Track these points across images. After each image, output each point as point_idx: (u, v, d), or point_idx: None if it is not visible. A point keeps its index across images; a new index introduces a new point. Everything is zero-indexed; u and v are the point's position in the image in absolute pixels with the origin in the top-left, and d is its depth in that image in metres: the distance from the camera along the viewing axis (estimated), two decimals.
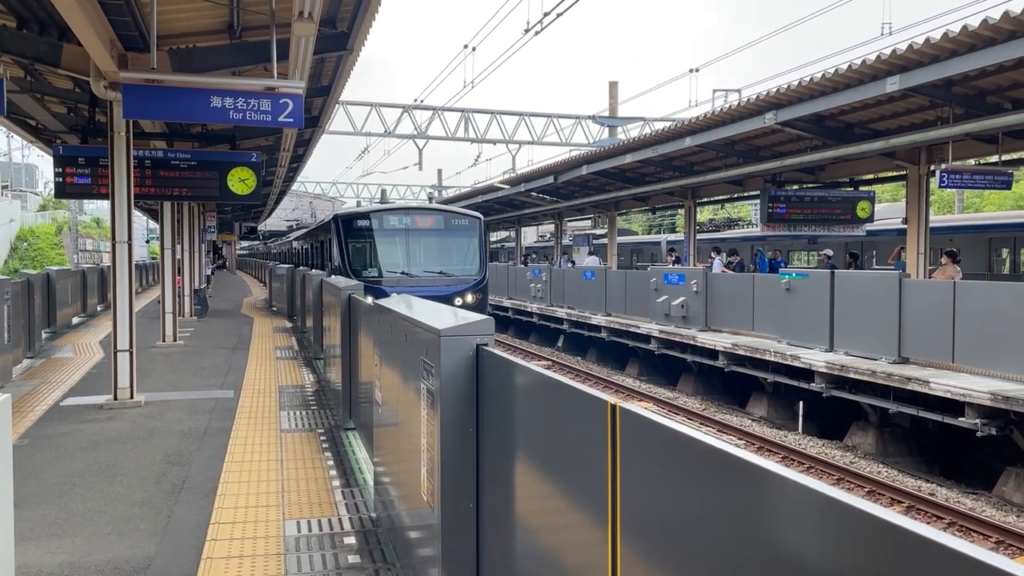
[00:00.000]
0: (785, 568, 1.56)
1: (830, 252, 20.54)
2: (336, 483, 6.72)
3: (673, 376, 18.74)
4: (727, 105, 17.20)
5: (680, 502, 1.95)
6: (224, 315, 23.42)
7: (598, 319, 21.44)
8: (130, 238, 9.93)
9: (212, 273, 39.14)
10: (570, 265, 29.68)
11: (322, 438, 8.26)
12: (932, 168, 16.08)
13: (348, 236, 17.61)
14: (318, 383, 11.52)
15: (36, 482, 6.64)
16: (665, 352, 18.21)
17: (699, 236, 27.63)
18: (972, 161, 17.01)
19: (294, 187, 42.45)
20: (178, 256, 19.06)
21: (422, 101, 29.30)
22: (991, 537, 8.90)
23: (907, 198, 17.52)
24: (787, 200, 18.96)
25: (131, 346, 9.88)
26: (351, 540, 5.45)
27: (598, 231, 39.66)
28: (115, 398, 9.77)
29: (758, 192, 20.45)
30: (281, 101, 8.10)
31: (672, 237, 38.89)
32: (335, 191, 65.00)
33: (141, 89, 7.74)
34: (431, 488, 3.76)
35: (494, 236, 52.36)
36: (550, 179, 25.60)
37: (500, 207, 35.57)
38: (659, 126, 26.37)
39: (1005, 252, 23.07)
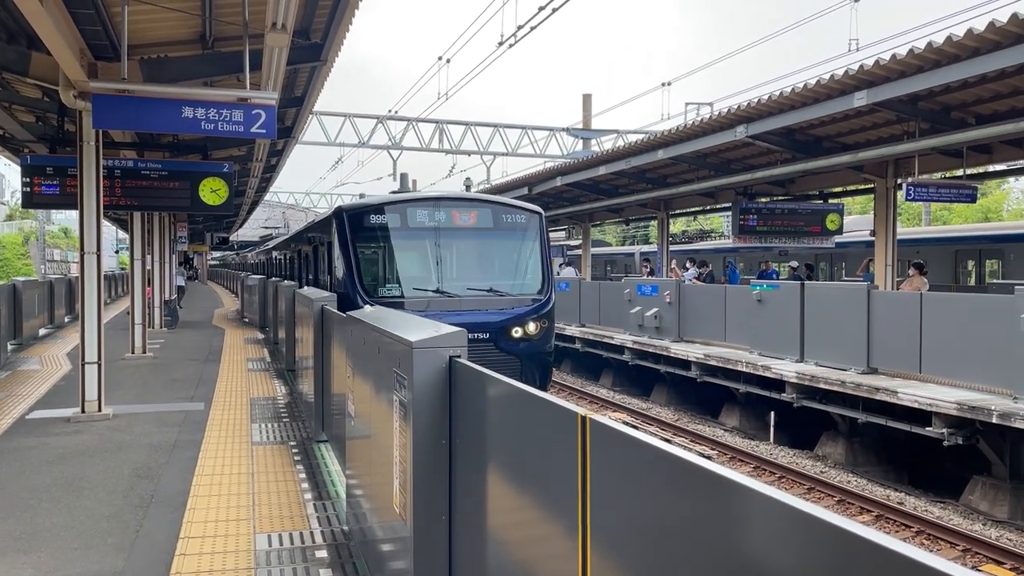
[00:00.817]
0: None
1: (795, 264, 20.88)
2: (308, 496, 6.67)
3: (646, 387, 18.83)
4: (699, 118, 17.42)
5: (650, 513, 1.97)
6: (195, 326, 23.16)
7: (572, 330, 21.49)
8: (99, 249, 9.81)
9: (185, 283, 38.69)
10: None
11: (294, 451, 8.20)
12: (899, 181, 16.37)
13: (357, 239, 12.30)
14: (290, 395, 11.43)
15: (1, 497, 6.52)
16: (638, 363, 18.30)
17: (672, 247, 27.84)
18: (938, 175, 17.34)
19: (267, 197, 42.18)
20: (148, 267, 18.85)
21: (396, 112, 29.30)
22: (958, 545, 9.03)
23: (875, 211, 17.81)
24: (758, 212, 19.20)
25: (99, 358, 9.74)
26: (323, 554, 5.41)
27: (572, 242, 39.83)
28: (83, 411, 9.62)
29: (730, 204, 20.68)
30: (254, 112, 8.07)
31: (646, 248, 39.14)
32: (308, 201, 64.71)
33: (111, 99, 7.67)
34: (403, 500, 3.76)
35: None
36: (524, 190, 25.70)
37: None
38: (632, 139, 26.59)
39: (971, 264, 23.50)
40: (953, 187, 15.61)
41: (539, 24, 13.83)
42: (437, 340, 3.60)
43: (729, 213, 20.68)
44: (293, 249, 21.21)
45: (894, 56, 11.36)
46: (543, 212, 13.07)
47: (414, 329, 3.98)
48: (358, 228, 12.32)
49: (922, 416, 10.62)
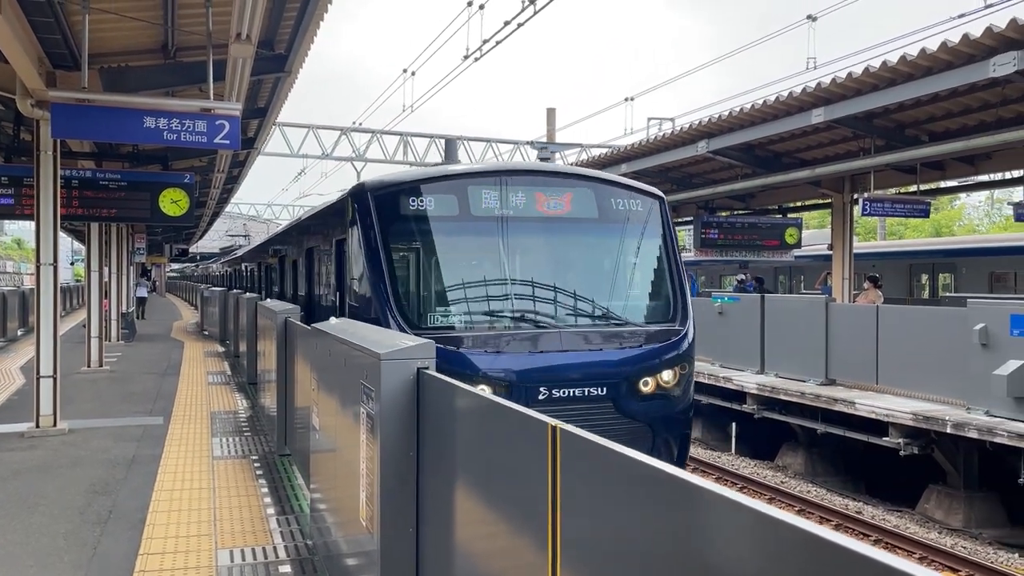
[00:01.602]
0: None
1: (742, 276, 21.31)
2: (271, 511, 6.59)
3: None
4: (661, 133, 17.64)
5: (621, 522, 1.99)
6: (153, 339, 22.76)
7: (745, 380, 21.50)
8: (56, 260, 9.62)
9: (147, 295, 37.99)
10: None
11: (256, 465, 8.09)
12: (855, 196, 16.75)
13: (391, 235, 8.03)
14: (252, 408, 11.29)
15: None
16: None
17: None
18: (893, 190, 17.78)
19: (228, 208, 41.68)
20: (105, 279, 18.49)
21: (361, 124, 29.19)
22: (915, 553, 9.21)
23: (832, 225, 18.17)
24: (718, 226, 19.47)
25: (55, 372, 9.53)
26: (287, 569, 5.35)
27: None
28: (37, 426, 9.40)
29: (692, 218, 20.95)
30: (217, 123, 7.99)
31: None
32: (270, 213, 64.05)
33: (71, 108, 7.55)
34: (370, 513, 3.74)
35: None
36: None
37: None
38: (596, 152, 26.81)
39: (924, 277, 24.07)
40: (907, 202, 16.00)
41: (504, 39, 13.94)
42: (405, 352, 3.60)
43: (691, 227, 20.96)
44: (274, 256, 15.96)
45: (850, 74, 11.64)
46: (664, 196, 8.93)
47: (381, 340, 3.97)
48: (392, 217, 7.86)
49: (879, 426, 10.84)
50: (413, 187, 7.91)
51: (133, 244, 28.25)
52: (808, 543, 1.36)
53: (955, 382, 10.37)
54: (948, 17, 14.08)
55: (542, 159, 28.00)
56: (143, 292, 33.54)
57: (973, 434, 9.56)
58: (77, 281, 50.29)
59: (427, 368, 3.59)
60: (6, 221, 52.57)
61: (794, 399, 12.34)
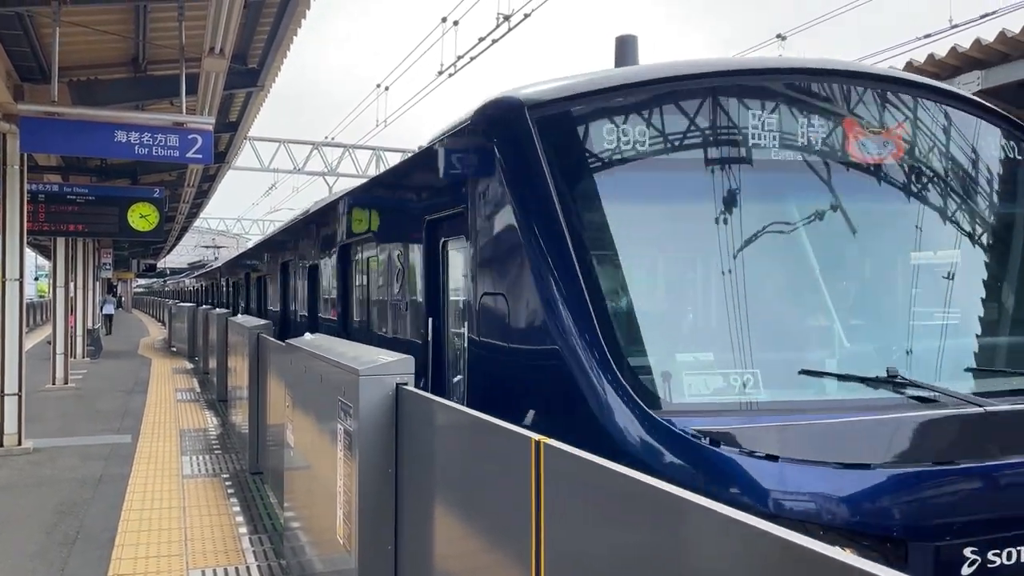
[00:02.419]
0: None
1: None
2: (243, 530, 6.49)
3: None
4: None
5: (607, 538, 1.99)
6: (120, 356, 22.40)
7: None
8: (22, 276, 9.45)
9: (114, 311, 37.38)
10: None
11: (227, 483, 7.98)
12: None
13: (583, 198, 3.83)
14: (222, 426, 11.13)
15: None
16: None
17: None
18: None
19: (197, 223, 41.24)
20: (71, 294, 18.18)
21: (333, 138, 29.10)
22: None
23: None
24: None
25: (20, 389, 9.35)
26: None
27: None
28: (1, 445, 9.20)
29: None
30: (189, 137, 7.93)
31: None
32: (239, 227, 63.46)
33: (40, 122, 7.44)
34: (348, 531, 3.70)
35: None
36: None
37: None
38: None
39: None
40: None
41: (479, 55, 14.01)
42: (384, 367, 3.58)
43: None
44: (286, 261, 11.31)
45: None
46: None
47: (359, 356, 3.95)
48: (588, 164, 3.89)
49: None
50: (624, 99, 3.93)
51: (99, 259, 27.83)
52: (801, 558, 1.37)
53: None
54: (914, 37, 14.40)
55: None
56: (110, 309, 33.06)
57: None
58: (41, 297, 49.40)
59: (406, 383, 3.58)
60: None
61: None
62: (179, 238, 39.11)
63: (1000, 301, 4.17)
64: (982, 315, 4.08)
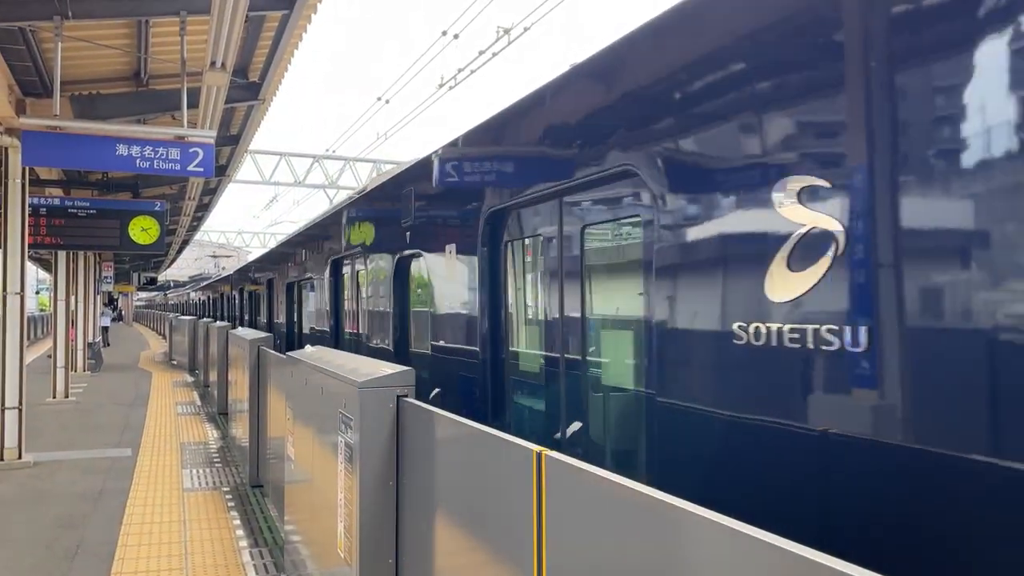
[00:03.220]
0: None
1: None
2: (243, 543, 6.46)
3: None
4: None
5: (609, 549, 1.98)
6: (120, 369, 22.38)
7: None
8: (23, 289, 9.46)
9: (111, 323, 37.39)
10: None
11: (228, 497, 7.96)
12: None
13: None
14: (223, 439, 11.11)
15: None
16: None
17: None
18: None
19: (197, 236, 41.31)
20: (71, 308, 18.19)
21: (333, 151, 29.18)
22: None
23: None
24: None
25: (20, 403, 9.34)
26: None
27: None
28: (1, 459, 9.18)
29: None
30: (191, 150, 7.96)
31: None
32: (240, 241, 63.55)
33: (42, 136, 7.47)
34: (349, 545, 3.69)
35: None
36: None
37: None
38: None
39: None
40: None
41: (479, 68, 14.06)
42: (384, 379, 3.58)
43: None
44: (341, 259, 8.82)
45: None
46: None
47: (359, 368, 3.94)
48: None
49: None
50: None
51: (100, 273, 27.86)
52: (802, 567, 1.37)
53: None
54: None
55: None
56: (106, 321, 33.06)
57: None
58: (42, 311, 49.43)
59: (406, 396, 3.57)
60: None
61: None
62: (180, 251, 39.17)
63: None
64: None
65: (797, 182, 2.39)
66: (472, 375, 4.91)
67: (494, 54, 13.37)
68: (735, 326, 2.56)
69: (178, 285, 59.06)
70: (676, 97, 2.85)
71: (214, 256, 55.68)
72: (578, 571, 2.12)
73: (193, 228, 28.37)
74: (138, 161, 7.79)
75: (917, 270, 2.06)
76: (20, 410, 9.34)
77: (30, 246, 10.53)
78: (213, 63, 7.41)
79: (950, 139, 1.99)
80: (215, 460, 9.71)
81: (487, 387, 4.69)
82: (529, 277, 4.49)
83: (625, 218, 3.49)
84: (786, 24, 2.45)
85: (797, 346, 2.36)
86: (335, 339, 8.82)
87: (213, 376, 14.04)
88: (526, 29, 12.85)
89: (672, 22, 2.89)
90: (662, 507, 1.76)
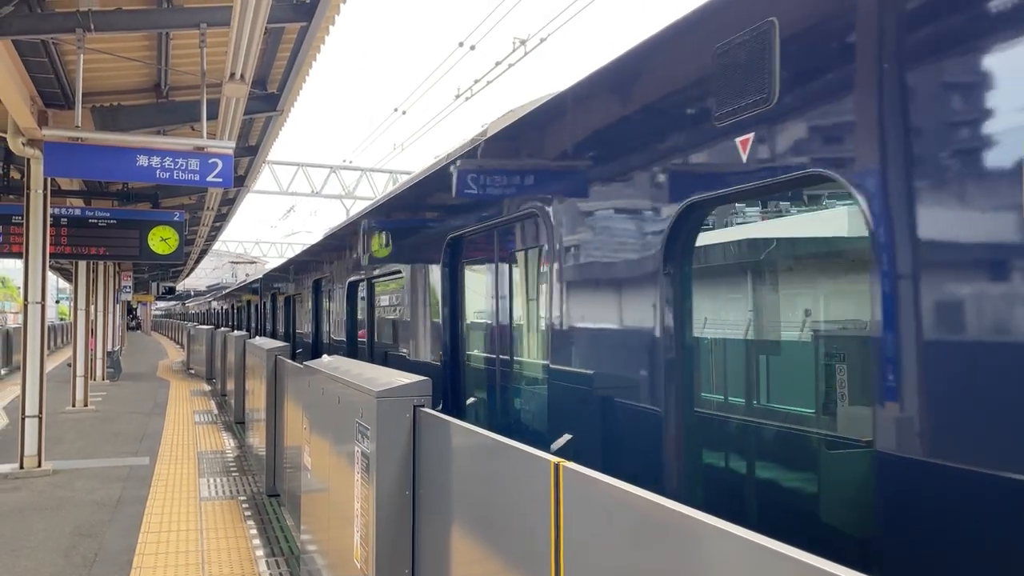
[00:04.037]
0: None
1: None
2: (260, 552, 6.48)
3: None
4: None
5: (627, 562, 1.97)
6: (139, 378, 22.55)
7: None
8: (43, 299, 9.56)
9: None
10: None
11: (244, 506, 7.98)
12: None
13: None
14: (239, 448, 11.16)
15: None
16: None
17: None
18: None
19: (215, 246, 41.62)
20: (91, 317, 18.35)
21: (350, 162, 29.35)
22: None
23: None
24: None
25: (40, 412, 9.42)
26: None
27: None
28: (21, 467, 9.26)
29: None
30: (210, 161, 8.02)
31: None
32: (258, 251, 63.96)
33: (64, 147, 7.56)
34: (365, 555, 3.68)
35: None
36: None
37: None
38: None
39: None
40: None
41: (495, 79, 14.12)
42: (401, 389, 3.58)
43: None
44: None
45: None
46: None
47: (376, 378, 3.95)
48: None
49: None
50: None
51: (120, 282, 28.11)
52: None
53: None
54: None
55: None
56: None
57: None
58: (62, 320, 49.93)
59: (423, 405, 3.58)
60: None
61: None
62: (198, 261, 39.47)
63: None
64: None
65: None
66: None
67: (510, 65, 13.42)
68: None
69: (197, 294, 59.48)
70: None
71: (235, 263, 55.92)
72: None
73: (211, 238, 28.58)
74: (158, 172, 7.86)
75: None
76: (40, 418, 9.41)
77: (51, 256, 10.66)
78: (232, 75, 7.48)
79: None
80: (232, 469, 9.75)
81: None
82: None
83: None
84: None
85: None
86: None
87: (230, 385, 14.11)
88: (542, 40, 12.88)
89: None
90: (680, 518, 1.75)
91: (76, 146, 7.58)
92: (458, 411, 4.72)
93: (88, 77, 8.97)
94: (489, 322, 4.71)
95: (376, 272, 7.05)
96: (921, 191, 1.81)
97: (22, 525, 7.17)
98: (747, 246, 3.35)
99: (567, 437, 3.40)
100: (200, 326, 27.85)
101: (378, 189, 29.16)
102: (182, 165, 7.92)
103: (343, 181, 29.34)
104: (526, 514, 2.48)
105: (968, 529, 1.65)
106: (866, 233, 1.92)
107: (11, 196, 12.34)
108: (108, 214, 12.50)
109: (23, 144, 9.09)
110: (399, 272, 5.94)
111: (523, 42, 13.20)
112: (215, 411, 15.20)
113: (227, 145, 8.30)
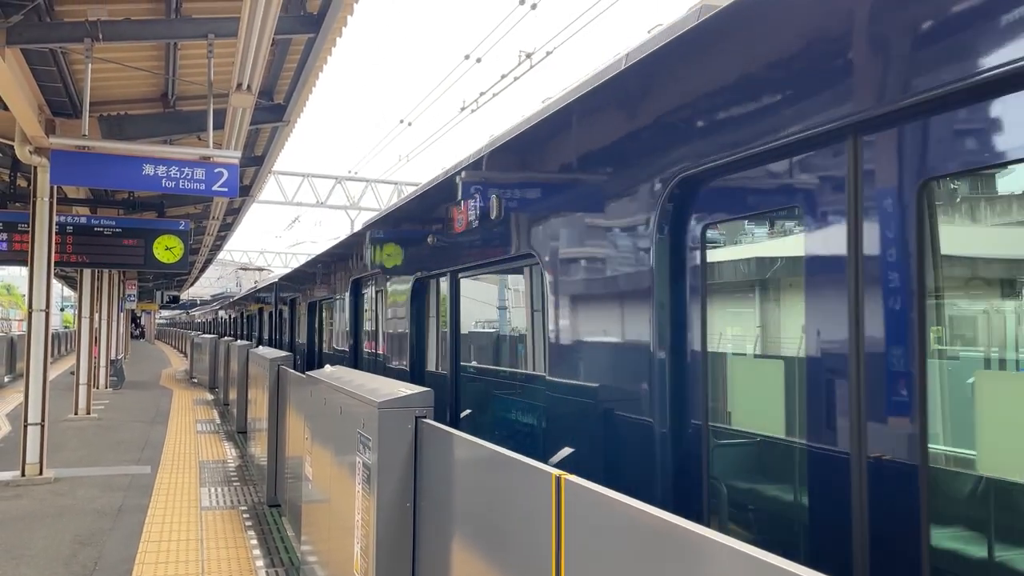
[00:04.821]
0: None
1: None
2: (260, 563, 6.45)
3: None
4: None
5: (628, 573, 1.96)
6: (142, 387, 22.55)
7: None
8: (48, 307, 9.58)
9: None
10: None
11: (245, 516, 7.96)
12: None
13: None
14: (241, 458, 11.14)
15: None
16: None
17: None
18: None
19: (220, 255, 41.72)
20: (95, 325, 18.38)
21: (356, 172, 29.43)
22: None
23: None
24: None
25: (43, 419, 9.42)
26: None
27: None
28: (23, 474, 9.25)
29: None
30: (216, 170, 8.05)
31: None
32: (263, 260, 64.04)
33: (70, 155, 7.60)
34: (365, 567, 3.67)
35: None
36: None
37: None
38: None
39: None
40: None
41: (501, 91, 14.17)
42: (404, 400, 3.58)
43: None
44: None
45: None
46: None
47: (379, 388, 3.95)
48: None
49: None
50: None
51: (124, 291, 28.16)
52: None
53: None
54: None
55: None
56: None
57: None
58: (66, 328, 50.03)
59: (425, 417, 3.57)
60: None
61: None
62: (203, 270, 39.55)
63: None
64: None
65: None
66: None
67: (516, 78, 13.47)
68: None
69: (203, 303, 59.57)
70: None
71: (244, 269, 55.89)
72: None
73: (216, 247, 28.64)
74: (164, 181, 7.89)
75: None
76: (43, 426, 9.42)
77: (57, 264, 10.68)
78: (239, 85, 7.52)
79: None
80: (233, 479, 9.73)
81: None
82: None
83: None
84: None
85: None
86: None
87: (233, 395, 14.10)
88: (548, 53, 12.93)
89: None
90: (681, 532, 1.74)
91: (83, 155, 7.62)
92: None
93: (96, 86, 9.02)
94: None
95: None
96: None
97: (23, 533, 7.16)
98: None
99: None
100: (204, 335, 27.88)
101: (383, 200, 29.23)
102: (188, 174, 7.95)
103: (348, 192, 29.42)
104: (527, 527, 2.47)
105: None
106: None
107: (17, 204, 12.40)
108: (113, 222, 12.54)
109: (30, 152, 9.13)
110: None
111: (529, 55, 13.25)
112: (217, 420, 15.18)
113: (233, 155, 8.33)
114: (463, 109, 16.01)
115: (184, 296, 57.33)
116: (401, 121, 21.72)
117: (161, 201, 14.52)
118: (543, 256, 3.70)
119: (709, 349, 2.66)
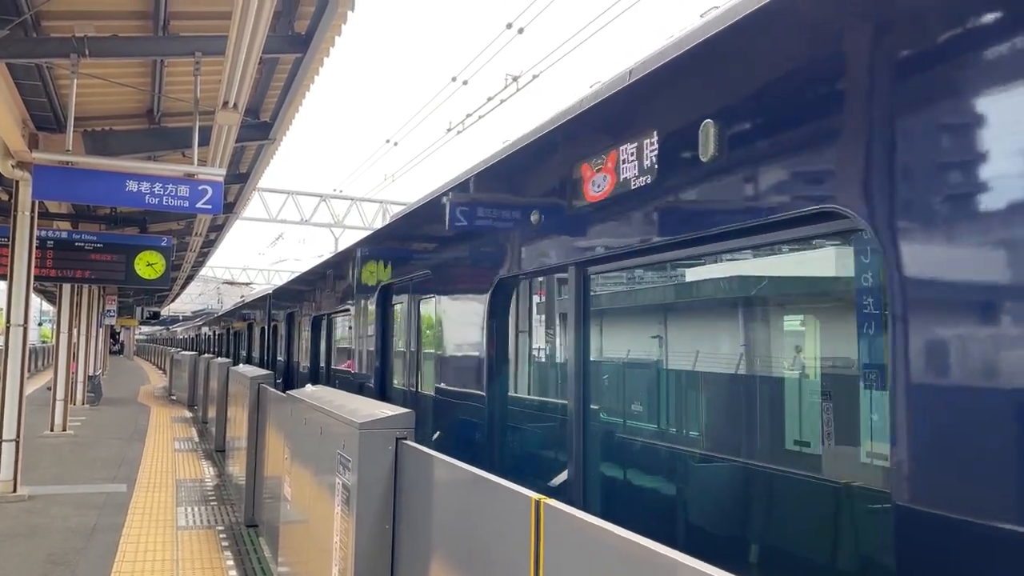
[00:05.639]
0: None
1: None
2: None
3: None
4: None
5: None
6: (119, 403, 22.30)
7: None
8: (27, 321, 9.48)
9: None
10: None
11: (222, 536, 7.87)
12: None
13: None
14: (219, 477, 11.02)
15: None
16: None
17: None
18: None
19: (202, 272, 41.46)
20: (74, 340, 18.19)
21: (340, 191, 29.42)
22: None
23: None
24: None
25: (18, 435, 9.29)
26: None
27: None
28: None
29: None
30: (200, 187, 8.04)
31: None
32: (245, 277, 63.69)
33: (53, 170, 7.57)
34: None
35: None
36: None
37: None
38: None
39: None
40: None
41: (487, 114, 14.26)
42: (384, 422, 3.57)
43: None
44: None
45: None
46: None
47: (359, 409, 3.94)
48: None
49: None
50: None
51: (104, 306, 27.91)
52: None
53: None
54: None
55: None
56: None
57: None
58: (43, 342, 49.42)
59: (405, 438, 3.57)
60: None
61: None
62: (184, 286, 39.29)
63: None
64: None
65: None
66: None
67: (502, 101, 13.57)
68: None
69: (184, 319, 59.07)
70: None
71: (229, 283, 55.49)
72: None
73: (199, 263, 28.50)
74: (147, 197, 7.87)
75: None
76: (17, 442, 9.29)
77: (36, 278, 10.59)
78: (226, 103, 7.53)
79: None
80: (211, 498, 9.63)
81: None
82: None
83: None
84: None
85: None
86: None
87: (212, 412, 13.97)
88: (535, 76, 13.04)
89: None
90: (659, 559, 1.75)
91: (65, 170, 7.59)
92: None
93: (80, 101, 9.00)
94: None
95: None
96: None
97: None
98: None
99: None
100: (184, 352, 27.63)
101: (368, 218, 29.22)
102: (172, 191, 7.93)
103: (333, 210, 29.39)
104: (506, 551, 2.47)
105: None
106: None
107: None
108: (95, 238, 12.47)
109: (12, 166, 9.08)
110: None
111: (515, 78, 13.36)
112: (196, 438, 15.03)
113: (218, 172, 8.33)
114: (449, 130, 16.09)
115: (164, 312, 56.86)
116: (387, 141, 21.79)
117: (144, 217, 14.46)
118: None
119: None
